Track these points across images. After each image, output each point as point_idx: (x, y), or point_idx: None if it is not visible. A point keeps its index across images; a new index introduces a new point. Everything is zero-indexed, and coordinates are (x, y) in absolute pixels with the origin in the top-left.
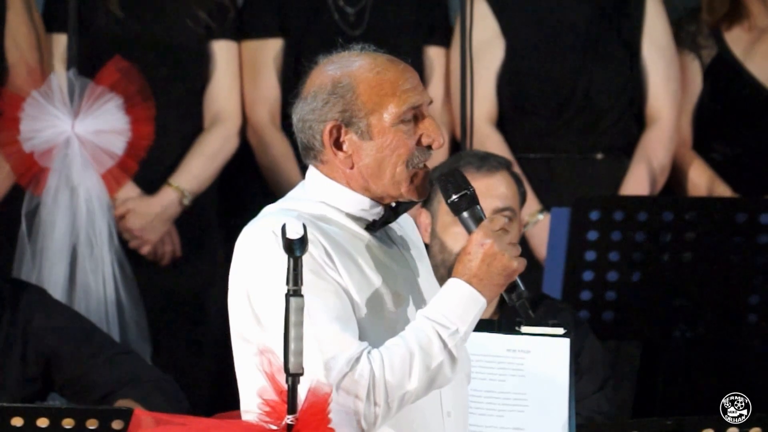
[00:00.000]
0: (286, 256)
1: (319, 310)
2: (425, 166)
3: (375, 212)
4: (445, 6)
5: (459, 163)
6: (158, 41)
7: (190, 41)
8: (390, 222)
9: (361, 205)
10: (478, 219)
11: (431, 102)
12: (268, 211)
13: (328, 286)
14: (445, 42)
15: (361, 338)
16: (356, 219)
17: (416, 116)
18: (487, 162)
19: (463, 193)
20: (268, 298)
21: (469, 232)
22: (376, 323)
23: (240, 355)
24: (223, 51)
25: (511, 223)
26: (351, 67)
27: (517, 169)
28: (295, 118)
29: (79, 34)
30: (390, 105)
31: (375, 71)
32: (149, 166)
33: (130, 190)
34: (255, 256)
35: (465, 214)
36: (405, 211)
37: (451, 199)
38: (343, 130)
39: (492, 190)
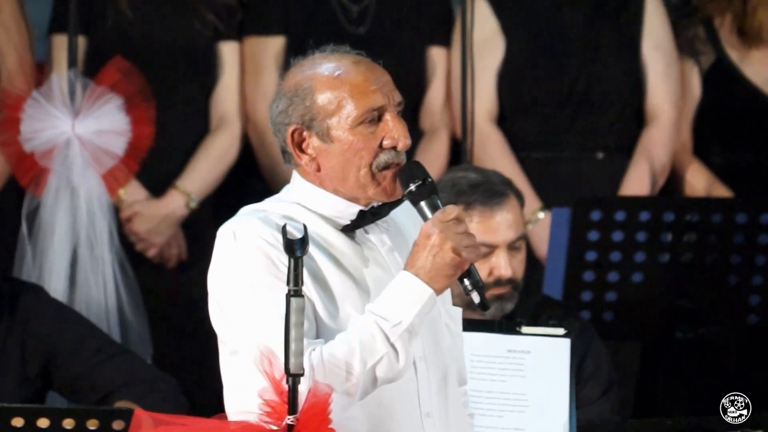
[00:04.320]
0: (243, 257)
1: (269, 309)
2: (392, 165)
3: (350, 214)
4: (449, 6)
5: (462, 198)
6: (166, 43)
7: (198, 43)
8: (367, 224)
9: (335, 206)
10: (434, 209)
11: (401, 102)
12: (242, 211)
13: (281, 286)
14: (448, 42)
15: (323, 337)
16: (330, 220)
17: (380, 117)
18: (493, 193)
19: (419, 182)
20: (228, 299)
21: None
22: (338, 323)
23: (220, 355)
24: (230, 52)
25: (522, 242)
26: (314, 70)
27: (514, 168)
28: (270, 120)
29: (87, 34)
30: (349, 107)
31: (335, 74)
32: (156, 169)
33: (137, 193)
34: (217, 257)
35: (422, 204)
36: (389, 212)
37: (409, 189)
38: (305, 134)
39: (504, 222)
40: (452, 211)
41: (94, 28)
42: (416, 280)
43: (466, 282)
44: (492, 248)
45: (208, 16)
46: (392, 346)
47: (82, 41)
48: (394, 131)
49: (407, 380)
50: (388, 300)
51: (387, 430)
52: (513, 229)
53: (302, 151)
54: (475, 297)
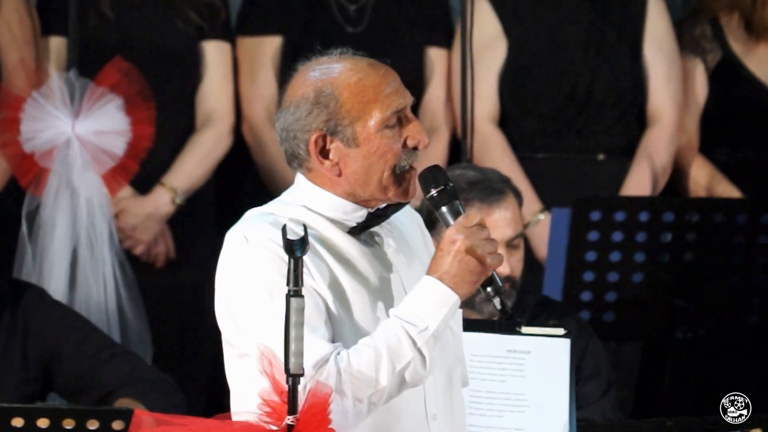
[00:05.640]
0: (257, 260)
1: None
2: (411, 167)
3: (357, 216)
4: (447, 7)
5: (460, 195)
6: (149, 42)
7: (182, 42)
8: (374, 226)
9: (343, 209)
10: (456, 214)
11: (413, 102)
12: (248, 215)
13: None
14: (446, 43)
15: (337, 339)
16: (337, 223)
17: (400, 119)
18: (491, 191)
19: (441, 188)
20: (243, 303)
21: (448, 227)
22: (351, 325)
23: (227, 359)
24: (214, 51)
25: (520, 240)
26: (332, 74)
27: (515, 169)
28: (278, 127)
29: (69, 36)
30: (374, 111)
31: (357, 77)
32: (142, 166)
33: (123, 190)
34: (229, 261)
35: (443, 209)
36: (393, 213)
37: (430, 194)
38: (328, 139)
39: (502, 220)
40: (475, 216)
41: (76, 30)
42: (441, 285)
43: (489, 289)
44: None
45: (192, 15)
46: (419, 351)
47: (66, 43)
48: (415, 131)
49: None
50: (414, 305)
51: None
52: (511, 227)
53: (325, 156)
54: (498, 303)
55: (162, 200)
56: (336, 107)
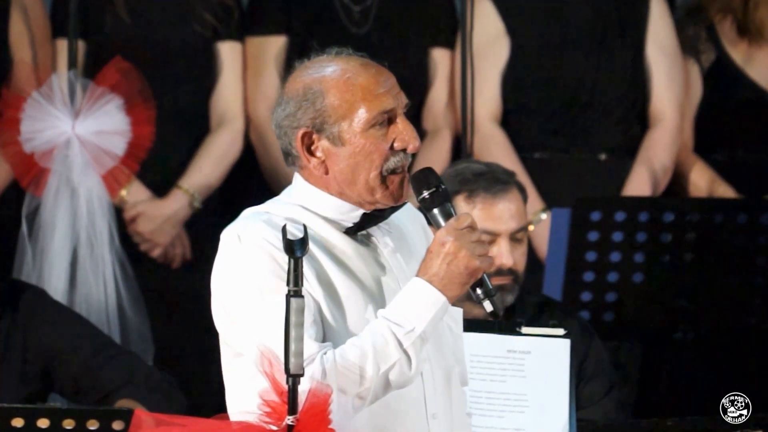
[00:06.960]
0: (250, 259)
1: (276, 312)
2: (403, 170)
3: (353, 216)
4: (452, 8)
5: (466, 186)
6: (165, 44)
7: (197, 43)
8: (370, 226)
9: (339, 209)
10: (447, 216)
11: (407, 104)
12: (244, 214)
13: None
14: (450, 44)
15: (328, 339)
16: (333, 223)
17: (390, 120)
18: (496, 181)
19: (433, 189)
20: (235, 302)
21: (439, 229)
22: (344, 325)
23: (224, 358)
24: (229, 52)
25: (524, 233)
26: (323, 72)
27: (517, 169)
28: (273, 123)
29: (86, 37)
30: (360, 110)
31: (346, 76)
32: (158, 169)
33: (140, 194)
34: (223, 260)
35: (435, 211)
36: (391, 214)
37: (422, 195)
38: (315, 136)
39: (506, 212)
40: (466, 218)
41: (93, 33)
42: (430, 287)
43: (479, 291)
44: (494, 237)
45: (206, 16)
46: (405, 352)
47: (81, 46)
48: (404, 134)
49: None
50: (402, 306)
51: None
52: (515, 220)
53: (311, 153)
54: (488, 306)
55: (180, 203)
56: (323, 104)
